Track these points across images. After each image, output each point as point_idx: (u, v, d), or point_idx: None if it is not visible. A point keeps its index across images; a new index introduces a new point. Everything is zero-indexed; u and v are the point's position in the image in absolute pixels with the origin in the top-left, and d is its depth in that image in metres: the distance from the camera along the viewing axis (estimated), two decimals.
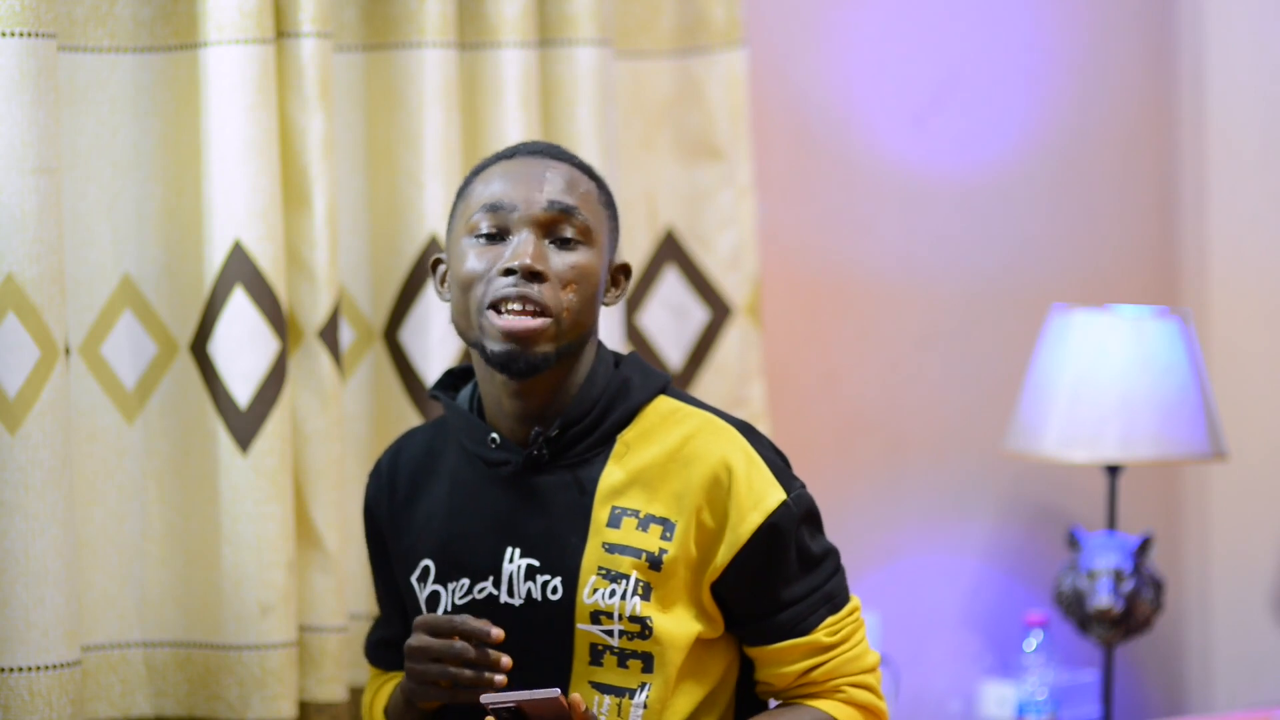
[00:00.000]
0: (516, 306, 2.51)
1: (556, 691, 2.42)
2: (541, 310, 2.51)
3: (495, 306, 2.52)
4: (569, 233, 2.55)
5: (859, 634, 2.61)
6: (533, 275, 2.51)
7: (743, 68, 3.60)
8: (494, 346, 2.52)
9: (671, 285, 3.62)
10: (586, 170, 2.62)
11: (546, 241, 2.54)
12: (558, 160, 2.60)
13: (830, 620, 2.59)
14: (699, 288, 3.62)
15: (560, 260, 2.54)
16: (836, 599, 2.61)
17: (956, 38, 4.20)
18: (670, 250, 3.62)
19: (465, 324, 2.57)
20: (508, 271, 2.52)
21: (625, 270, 2.66)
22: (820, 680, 2.59)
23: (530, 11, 3.36)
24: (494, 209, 2.55)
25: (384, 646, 2.80)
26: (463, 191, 2.62)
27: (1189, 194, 4.44)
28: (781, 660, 2.59)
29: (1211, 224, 4.42)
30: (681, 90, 3.61)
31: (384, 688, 2.79)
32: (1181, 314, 3.97)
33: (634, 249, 3.59)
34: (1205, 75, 4.40)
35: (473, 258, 2.55)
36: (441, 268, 2.66)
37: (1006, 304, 4.25)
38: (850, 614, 2.61)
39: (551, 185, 2.55)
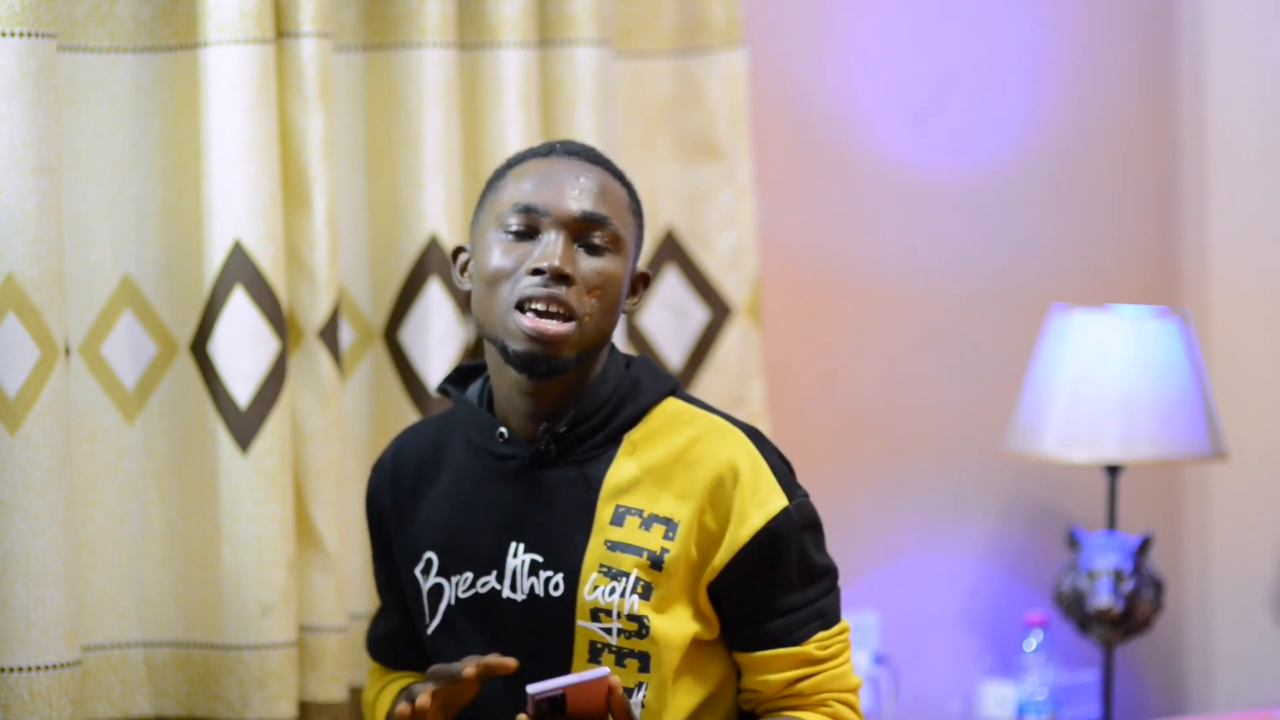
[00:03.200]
0: (541, 307, 2.52)
1: (606, 671, 2.41)
2: (567, 314, 2.52)
3: (521, 306, 2.53)
4: (598, 240, 2.55)
5: (846, 654, 2.62)
6: (561, 277, 2.52)
7: (743, 68, 3.60)
8: (516, 346, 2.53)
9: (671, 285, 3.62)
10: (619, 176, 2.62)
11: (575, 245, 2.55)
12: (592, 164, 2.59)
13: (822, 635, 2.59)
14: (699, 288, 3.62)
15: (588, 265, 2.54)
16: (829, 616, 2.61)
17: (956, 38, 4.20)
18: (670, 250, 3.62)
19: (487, 318, 2.57)
20: (536, 271, 2.52)
21: (645, 279, 2.66)
22: (808, 692, 2.59)
23: (530, 11, 3.36)
24: (526, 210, 2.55)
25: (386, 641, 2.80)
26: (494, 184, 2.62)
27: (1189, 194, 4.44)
28: (770, 668, 2.59)
29: (1211, 224, 4.42)
30: (681, 90, 3.61)
31: (387, 690, 2.78)
32: (1181, 314, 3.97)
33: None
34: (1205, 75, 4.40)
35: (500, 254, 2.55)
36: (463, 256, 2.66)
37: (1006, 304, 4.25)
38: (840, 633, 2.61)
39: (585, 192, 2.55)
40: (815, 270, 4.05)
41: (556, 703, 2.40)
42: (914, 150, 4.14)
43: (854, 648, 3.96)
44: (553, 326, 2.51)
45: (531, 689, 2.40)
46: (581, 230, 2.55)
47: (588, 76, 3.41)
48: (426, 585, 2.65)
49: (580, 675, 2.40)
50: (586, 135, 3.40)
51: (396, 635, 2.77)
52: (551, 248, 2.52)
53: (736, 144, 3.60)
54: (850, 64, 4.07)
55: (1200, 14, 4.40)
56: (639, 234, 2.62)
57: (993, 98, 4.24)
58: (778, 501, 2.56)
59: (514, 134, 3.33)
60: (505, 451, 2.61)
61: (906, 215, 4.14)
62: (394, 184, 3.33)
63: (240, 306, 3.11)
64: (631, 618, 2.55)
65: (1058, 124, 4.31)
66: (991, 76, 4.23)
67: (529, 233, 2.55)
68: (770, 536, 2.55)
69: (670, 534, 2.56)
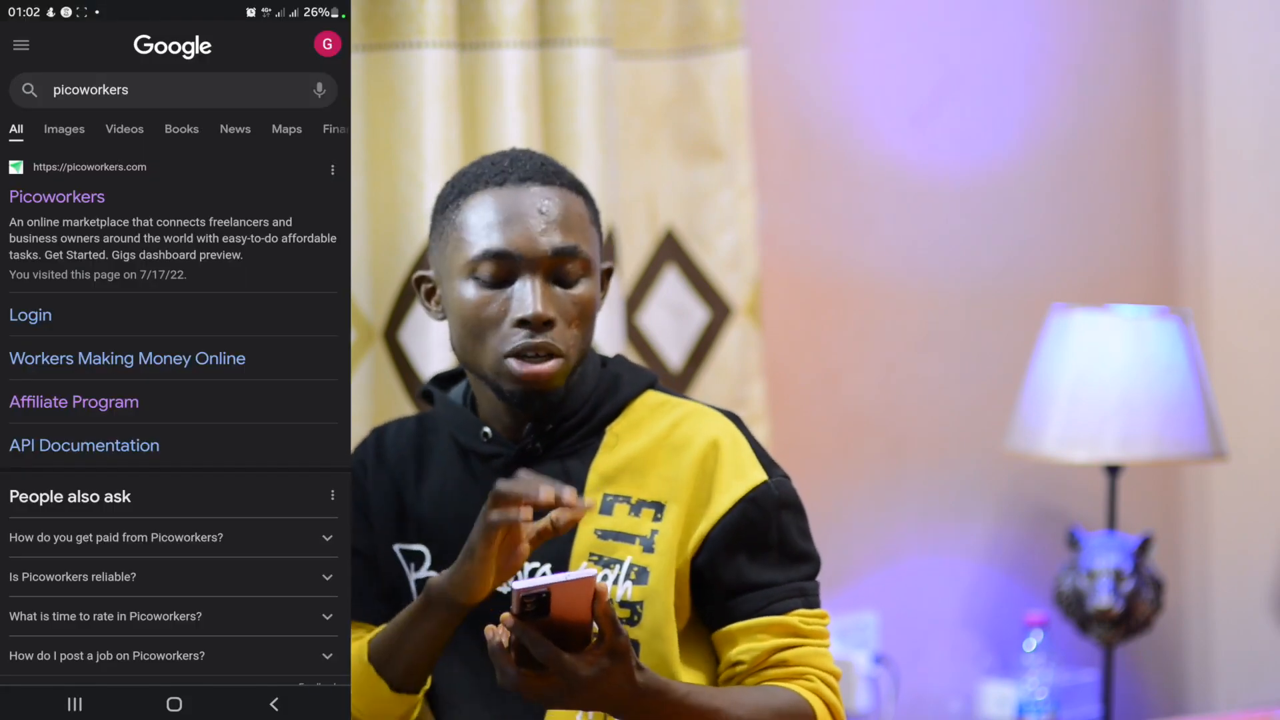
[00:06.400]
0: (532, 354, 2.55)
1: (593, 573, 2.40)
2: (552, 354, 2.56)
3: (512, 356, 2.57)
4: (571, 271, 2.59)
5: (828, 640, 2.62)
6: (545, 324, 2.56)
7: (743, 68, 3.60)
8: (509, 388, 2.57)
9: (671, 285, 3.62)
10: (573, 185, 2.64)
11: (550, 282, 2.58)
12: (548, 185, 2.61)
13: (804, 611, 2.60)
14: (699, 288, 3.62)
15: (565, 299, 2.58)
16: (810, 598, 2.61)
17: (956, 38, 4.20)
18: (670, 250, 3.62)
19: (473, 361, 2.60)
20: (521, 323, 2.56)
21: (608, 272, 2.70)
22: (792, 662, 2.59)
23: (530, 11, 3.36)
24: (497, 257, 2.57)
25: (354, 599, 2.75)
26: (449, 213, 2.63)
27: (1189, 194, 4.44)
28: (752, 635, 2.58)
29: (1211, 224, 4.42)
30: (681, 90, 3.61)
31: (357, 642, 2.73)
32: (1181, 314, 3.97)
33: (634, 249, 3.59)
34: (1205, 75, 4.40)
35: (479, 304, 2.58)
36: (427, 285, 2.69)
37: (1006, 304, 4.25)
38: (822, 617, 2.62)
39: (551, 225, 2.58)
40: (815, 270, 4.05)
41: (542, 602, 2.36)
42: (914, 150, 4.14)
43: (854, 648, 3.97)
44: (544, 367, 2.55)
45: (516, 585, 2.36)
46: (554, 266, 2.58)
47: (588, 76, 3.41)
48: (418, 574, 2.67)
49: (566, 575, 2.37)
50: (586, 135, 3.40)
51: (364, 590, 2.73)
52: (531, 296, 2.56)
53: (736, 144, 3.60)
54: (850, 64, 4.07)
55: (1200, 14, 4.40)
56: (600, 235, 2.66)
57: (992, 98, 4.24)
58: (757, 475, 2.59)
59: (514, 134, 3.33)
60: (490, 450, 2.64)
61: (906, 215, 4.15)
62: (394, 184, 3.33)
63: None
64: (624, 604, 2.57)
65: (1058, 124, 4.31)
66: (991, 76, 4.23)
67: (505, 279, 2.58)
68: (750, 506, 2.57)
69: (659, 517, 2.58)
